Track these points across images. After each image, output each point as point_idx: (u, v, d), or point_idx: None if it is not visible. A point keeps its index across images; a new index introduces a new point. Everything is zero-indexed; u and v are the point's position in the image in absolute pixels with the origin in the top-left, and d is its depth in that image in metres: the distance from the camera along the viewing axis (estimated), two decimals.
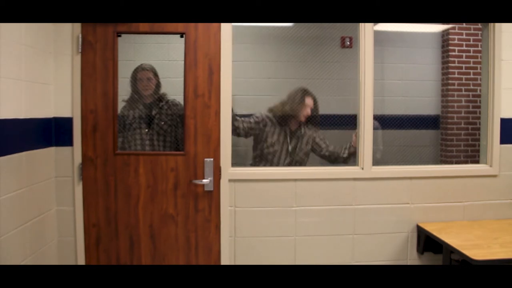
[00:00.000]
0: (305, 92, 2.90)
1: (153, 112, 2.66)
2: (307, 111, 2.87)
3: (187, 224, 2.45)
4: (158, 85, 2.68)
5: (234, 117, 2.64)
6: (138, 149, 2.59)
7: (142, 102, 2.67)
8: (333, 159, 2.86)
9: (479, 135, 2.83)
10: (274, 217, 2.50)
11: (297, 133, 2.88)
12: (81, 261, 2.42)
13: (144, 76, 2.64)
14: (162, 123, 2.65)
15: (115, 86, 2.39)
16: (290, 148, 2.84)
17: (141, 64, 2.67)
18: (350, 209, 2.55)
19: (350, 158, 2.76)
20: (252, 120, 2.85)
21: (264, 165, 2.84)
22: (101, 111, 2.38)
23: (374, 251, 2.58)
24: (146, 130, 2.63)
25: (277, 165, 2.83)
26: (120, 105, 2.51)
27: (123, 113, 2.61)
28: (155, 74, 2.67)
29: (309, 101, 2.88)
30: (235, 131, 2.73)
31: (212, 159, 2.43)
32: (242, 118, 2.81)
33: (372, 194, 2.56)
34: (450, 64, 3.99)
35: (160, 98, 2.68)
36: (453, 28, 3.96)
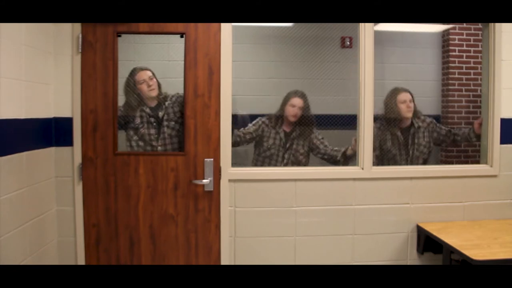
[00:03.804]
0: (292, 93, 2.85)
1: (160, 114, 2.57)
2: (295, 111, 2.81)
3: (187, 224, 2.45)
4: (159, 86, 2.61)
5: (233, 131, 2.59)
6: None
7: (148, 107, 2.57)
8: (331, 161, 2.82)
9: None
10: (274, 217, 2.50)
11: (292, 134, 2.85)
12: (81, 261, 2.42)
13: (145, 76, 2.55)
14: (173, 123, 2.57)
15: (115, 86, 2.39)
16: (285, 149, 2.81)
17: (135, 67, 2.56)
18: (350, 209, 2.55)
19: (349, 159, 2.72)
20: (250, 129, 2.82)
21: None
22: (101, 111, 2.38)
23: (374, 251, 2.58)
24: (157, 135, 2.55)
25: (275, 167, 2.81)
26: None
27: (128, 119, 2.52)
28: (154, 74, 2.59)
29: (295, 101, 2.82)
30: (237, 144, 2.72)
31: (212, 159, 2.43)
32: (241, 130, 2.79)
33: (372, 194, 2.56)
34: (450, 64, 3.98)
35: (165, 98, 2.61)
36: (454, 28, 3.95)
